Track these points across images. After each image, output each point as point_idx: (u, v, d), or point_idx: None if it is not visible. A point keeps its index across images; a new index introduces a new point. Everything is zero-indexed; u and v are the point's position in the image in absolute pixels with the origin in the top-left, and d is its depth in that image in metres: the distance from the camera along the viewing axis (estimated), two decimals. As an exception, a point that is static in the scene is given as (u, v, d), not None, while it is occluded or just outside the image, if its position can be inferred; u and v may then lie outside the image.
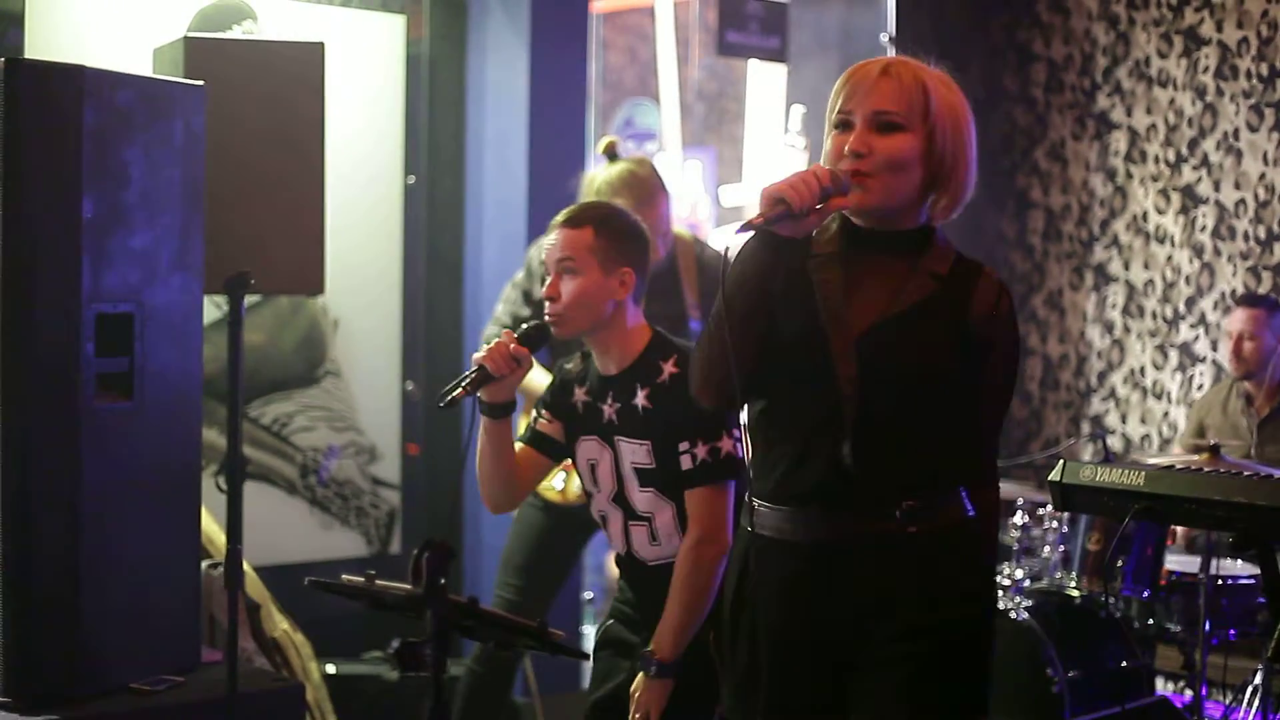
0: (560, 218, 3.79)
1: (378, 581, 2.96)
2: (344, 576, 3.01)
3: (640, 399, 3.68)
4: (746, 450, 3.33)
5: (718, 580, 3.55)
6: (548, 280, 3.72)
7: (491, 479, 3.81)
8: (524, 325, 3.78)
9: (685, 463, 3.65)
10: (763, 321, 3.02)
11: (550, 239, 3.76)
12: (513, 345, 3.65)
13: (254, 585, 4.88)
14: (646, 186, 5.03)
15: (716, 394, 3.10)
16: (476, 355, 3.67)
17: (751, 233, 2.94)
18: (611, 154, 5.18)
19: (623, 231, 3.77)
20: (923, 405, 3.01)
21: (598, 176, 5.10)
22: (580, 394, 3.81)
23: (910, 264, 3.04)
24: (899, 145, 2.95)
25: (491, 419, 3.73)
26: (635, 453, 3.69)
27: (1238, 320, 6.52)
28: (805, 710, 3.11)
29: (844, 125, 3.00)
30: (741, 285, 2.99)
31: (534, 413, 3.90)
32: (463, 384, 3.62)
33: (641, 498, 3.70)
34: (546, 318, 3.72)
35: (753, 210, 2.95)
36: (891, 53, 7.66)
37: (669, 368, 3.69)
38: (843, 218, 3.07)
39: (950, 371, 3.01)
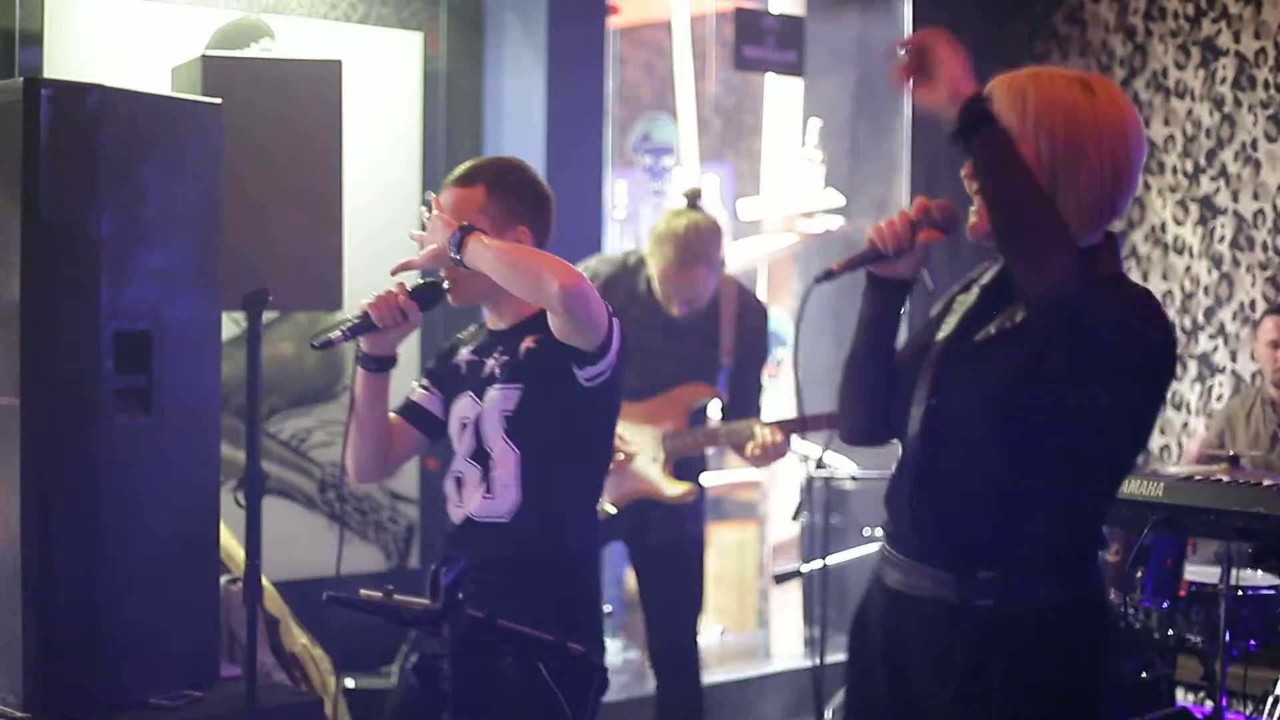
0: (451, 176, 3.66)
1: (396, 596, 2.97)
2: (362, 591, 3.01)
3: (526, 344, 3.54)
4: None
5: (541, 264, 3.38)
6: None
7: (361, 441, 3.63)
8: (420, 281, 3.58)
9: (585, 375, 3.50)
10: (885, 363, 2.98)
11: (442, 199, 3.61)
12: (403, 298, 3.50)
13: (273, 600, 4.89)
14: (687, 251, 5.08)
15: (858, 434, 3.11)
16: (364, 301, 3.52)
17: (841, 272, 2.89)
18: (693, 201, 5.24)
19: (518, 188, 3.64)
20: (997, 445, 2.77)
21: (664, 220, 5.19)
22: (466, 353, 3.68)
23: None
24: None
25: (367, 372, 3.57)
26: (506, 399, 3.52)
27: (1274, 329, 6.51)
28: None
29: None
30: (865, 327, 2.99)
31: (413, 383, 3.76)
32: (342, 327, 3.49)
33: (495, 446, 3.53)
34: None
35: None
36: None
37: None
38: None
39: (1021, 408, 2.74)
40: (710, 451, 5.47)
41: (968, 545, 2.80)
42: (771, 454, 5.13)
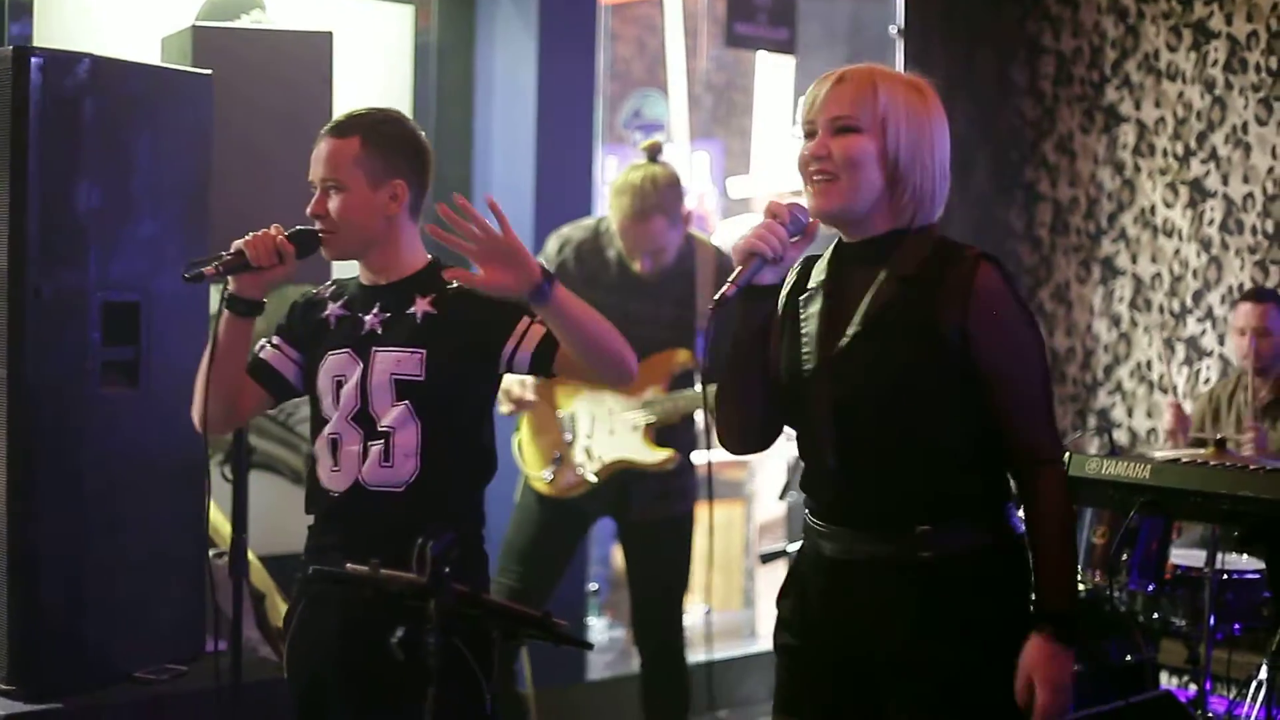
0: (327, 126, 3.55)
1: (382, 570, 2.96)
2: (349, 565, 3.01)
3: (421, 306, 3.47)
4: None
5: (619, 344, 3.39)
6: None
7: (215, 386, 3.45)
8: (298, 226, 3.48)
9: (536, 334, 3.44)
10: (766, 371, 3.12)
11: (317, 150, 3.50)
12: (280, 239, 3.40)
13: (258, 575, 4.89)
14: (644, 202, 5.06)
15: (742, 444, 3.26)
16: (238, 241, 3.39)
17: (738, 291, 2.99)
18: (653, 155, 5.25)
19: (394, 140, 3.52)
20: (904, 420, 3.01)
21: (622, 174, 5.18)
22: (335, 308, 3.54)
23: (882, 274, 3.05)
24: (853, 144, 2.99)
25: (233, 314, 3.41)
26: (401, 363, 3.43)
27: (1248, 316, 6.50)
28: (820, 708, 3.18)
29: (809, 135, 3.06)
30: (744, 342, 3.10)
31: (263, 340, 3.58)
32: (215, 262, 3.36)
33: (390, 412, 3.42)
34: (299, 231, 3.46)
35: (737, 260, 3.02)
36: (900, 45, 7.66)
37: (459, 278, 3.44)
38: (835, 244, 3.15)
39: (926, 378, 3.00)
40: (698, 422, 5.43)
41: (901, 507, 3.04)
42: None
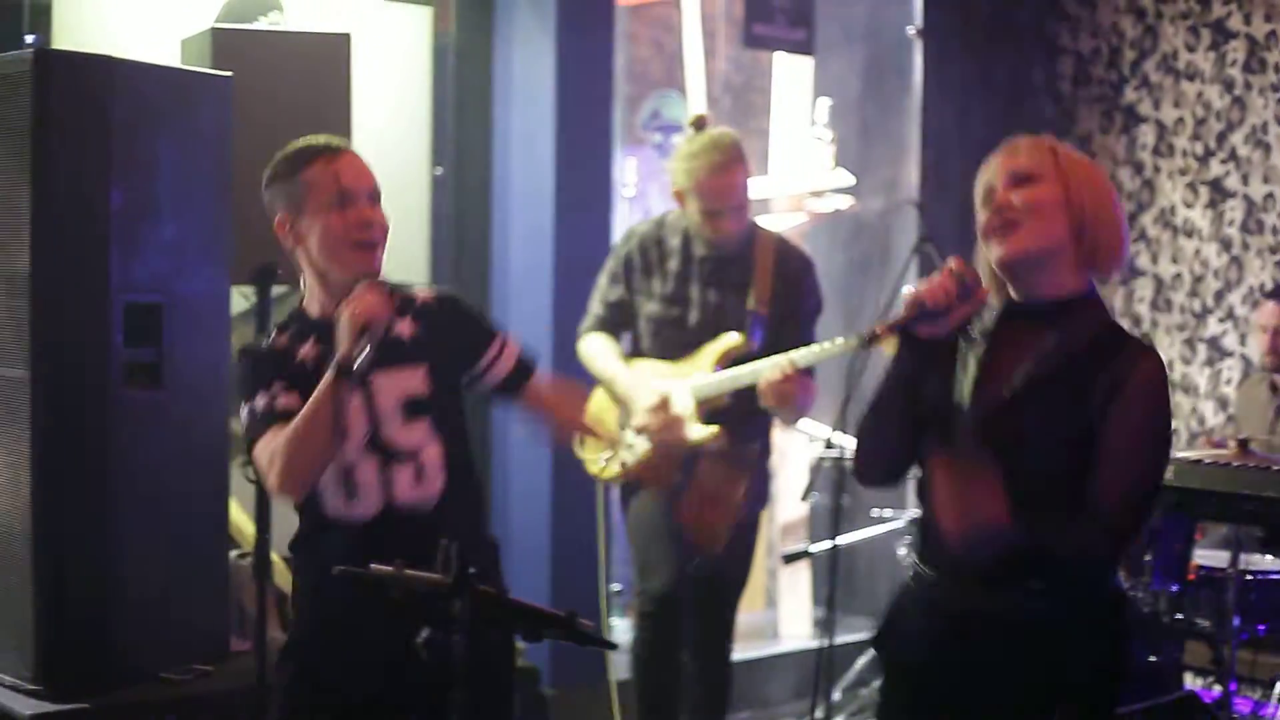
0: (333, 145, 3.53)
1: (407, 571, 2.95)
2: (373, 566, 3.00)
3: (404, 328, 3.47)
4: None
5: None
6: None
7: (328, 455, 3.35)
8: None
9: (508, 363, 3.57)
10: (910, 415, 3.14)
11: (347, 163, 3.49)
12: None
13: (282, 575, 4.89)
14: (726, 154, 5.06)
15: (874, 478, 3.30)
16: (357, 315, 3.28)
17: (888, 334, 3.05)
18: (699, 125, 5.32)
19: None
20: (1040, 481, 2.99)
21: (687, 143, 5.20)
22: (306, 348, 3.46)
23: (1053, 337, 3.05)
24: (1034, 192, 3.02)
25: (349, 382, 3.30)
26: (406, 383, 3.45)
27: (1271, 315, 6.49)
28: None
29: (988, 197, 3.08)
30: (894, 384, 3.14)
31: (256, 400, 3.42)
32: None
33: (405, 432, 3.44)
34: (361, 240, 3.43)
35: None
36: (918, 46, 7.65)
37: (420, 294, 3.50)
38: (1005, 300, 3.15)
39: (1069, 451, 2.99)
40: (769, 416, 5.34)
41: (1020, 562, 2.99)
42: (782, 393, 4.99)
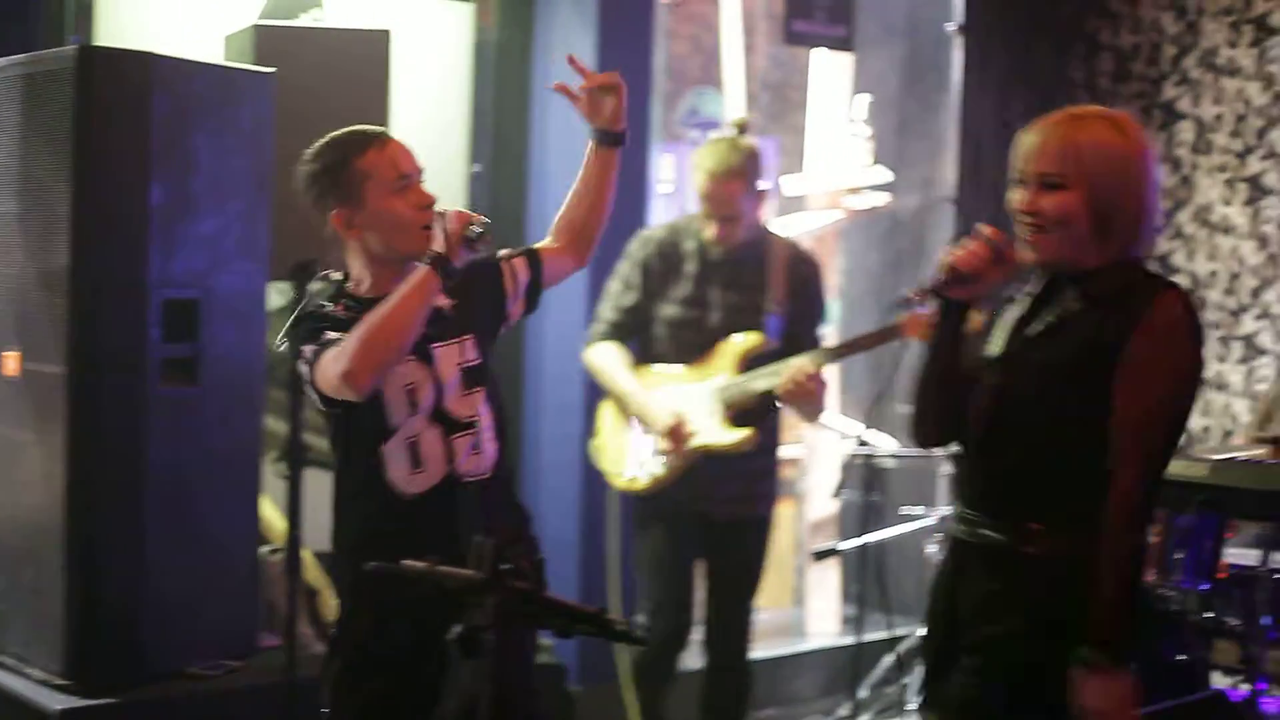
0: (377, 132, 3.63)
1: (439, 567, 2.98)
2: (405, 562, 3.03)
3: (440, 302, 3.51)
4: None
5: None
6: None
7: (406, 348, 3.44)
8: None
9: (521, 268, 3.73)
10: (957, 375, 3.31)
11: (398, 148, 3.60)
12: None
13: (312, 571, 4.92)
14: (725, 164, 5.14)
15: (927, 437, 3.44)
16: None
17: (921, 298, 3.25)
18: (741, 129, 5.47)
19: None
20: (1050, 421, 3.18)
21: (705, 143, 5.32)
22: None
23: (1075, 290, 3.22)
24: (1060, 202, 3.16)
25: (443, 277, 3.43)
26: (463, 352, 3.55)
27: None
28: (937, 702, 3.37)
29: (1020, 181, 3.23)
30: (936, 346, 3.31)
31: (325, 335, 3.48)
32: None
33: (464, 403, 3.55)
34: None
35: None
36: (958, 42, 7.64)
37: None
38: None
39: (1080, 389, 3.14)
40: (779, 411, 5.39)
41: (1022, 501, 3.19)
42: (806, 391, 5.06)
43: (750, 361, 5.16)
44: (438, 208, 3.53)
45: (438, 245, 3.41)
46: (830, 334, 7.54)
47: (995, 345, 3.31)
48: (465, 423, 3.55)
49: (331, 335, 3.46)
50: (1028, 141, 3.22)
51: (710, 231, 5.17)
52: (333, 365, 3.41)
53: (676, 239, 5.29)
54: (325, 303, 3.60)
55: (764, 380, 5.08)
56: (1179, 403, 3.18)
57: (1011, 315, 3.32)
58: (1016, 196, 3.23)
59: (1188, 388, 3.19)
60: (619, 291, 5.29)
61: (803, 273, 5.30)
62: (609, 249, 6.13)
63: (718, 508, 5.23)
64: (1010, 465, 3.22)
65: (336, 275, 3.65)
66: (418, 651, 3.51)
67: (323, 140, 3.60)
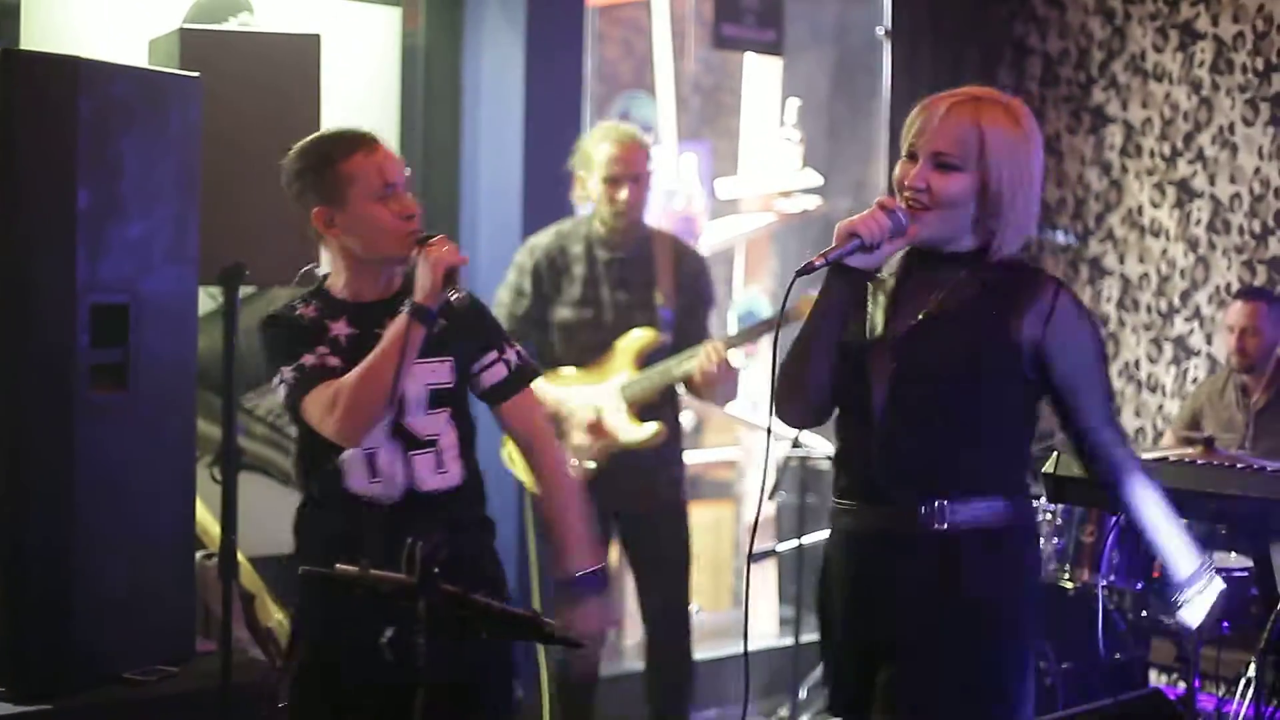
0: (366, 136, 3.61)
1: (372, 571, 2.96)
2: (338, 566, 3.01)
3: None
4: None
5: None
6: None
7: (390, 398, 3.43)
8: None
9: (500, 370, 3.66)
10: (833, 349, 3.26)
11: (385, 155, 3.57)
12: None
13: (248, 576, 4.89)
14: (640, 137, 5.43)
15: (798, 414, 3.38)
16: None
17: (825, 264, 3.14)
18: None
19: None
20: (956, 399, 3.19)
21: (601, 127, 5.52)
22: (339, 326, 3.57)
23: (964, 270, 3.23)
24: (953, 183, 3.17)
25: (422, 325, 3.42)
26: (435, 373, 3.56)
27: (1238, 314, 6.51)
28: (850, 697, 3.35)
29: (912, 156, 3.22)
30: (825, 315, 3.24)
31: (303, 359, 3.50)
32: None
33: (427, 421, 3.55)
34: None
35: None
36: (887, 47, 7.67)
37: (452, 293, 3.51)
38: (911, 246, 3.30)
39: (987, 369, 3.19)
40: (679, 399, 5.51)
41: (928, 480, 3.20)
42: (719, 376, 5.20)
43: (648, 357, 5.28)
44: (433, 238, 3.51)
45: (419, 295, 3.41)
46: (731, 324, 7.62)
47: (878, 327, 3.28)
48: (425, 440, 3.55)
49: (309, 360, 3.50)
50: (925, 118, 3.22)
51: (621, 194, 5.30)
52: (324, 416, 3.47)
53: (564, 243, 5.41)
54: (297, 304, 3.62)
55: (680, 369, 5.19)
56: (1108, 374, 3.38)
57: (883, 296, 3.30)
58: (908, 169, 3.21)
59: (1105, 360, 3.36)
60: (511, 300, 5.40)
61: (690, 268, 5.49)
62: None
63: (634, 501, 5.33)
64: (914, 449, 3.21)
65: (325, 271, 3.70)
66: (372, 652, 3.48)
67: (310, 137, 3.64)
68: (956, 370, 3.19)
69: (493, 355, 3.66)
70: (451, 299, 3.39)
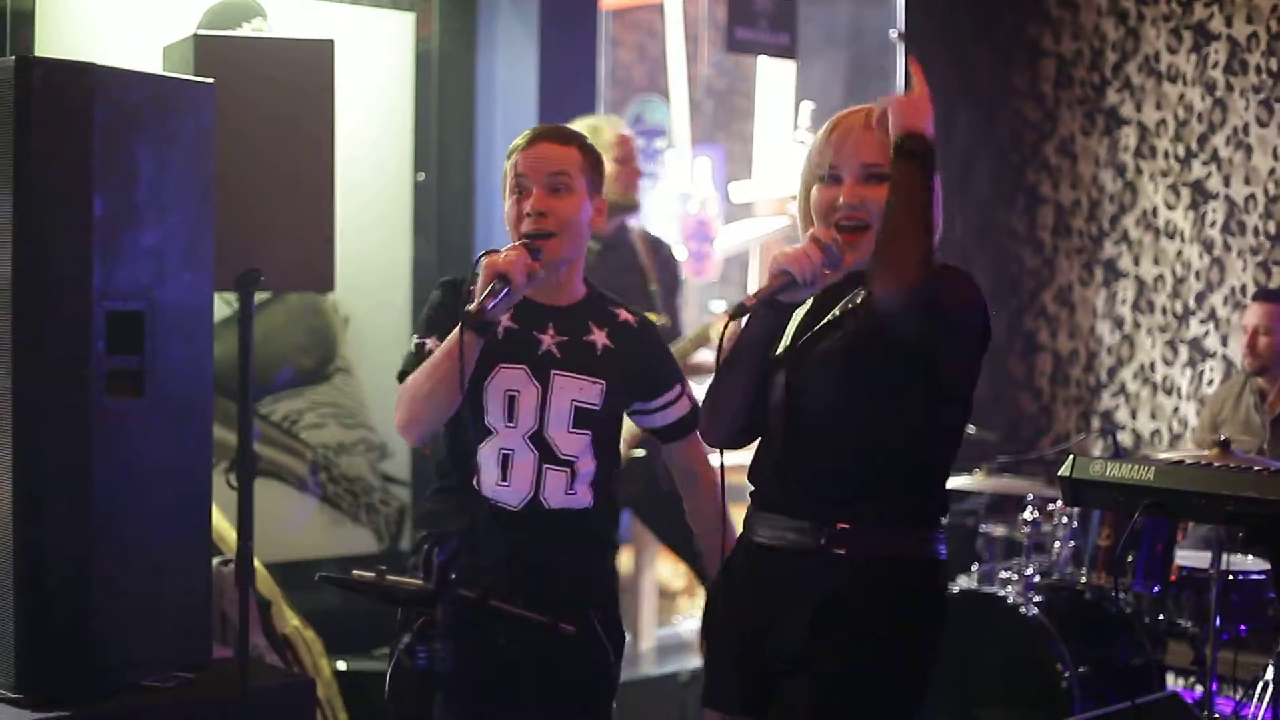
0: (537, 132, 3.61)
1: (389, 577, 2.96)
2: (355, 572, 3.01)
3: (599, 337, 3.55)
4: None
5: None
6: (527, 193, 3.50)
7: (446, 405, 3.41)
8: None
9: (683, 407, 3.65)
10: (759, 375, 3.17)
11: (532, 151, 3.54)
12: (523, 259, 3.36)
13: (264, 582, 4.89)
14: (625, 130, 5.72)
15: (723, 437, 3.23)
16: (498, 264, 3.31)
17: (745, 313, 3.07)
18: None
19: (599, 161, 3.62)
20: (852, 414, 3.08)
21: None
22: (504, 319, 3.51)
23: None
24: (883, 194, 3.02)
25: (476, 334, 3.33)
26: (583, 391, 3.50)
27: (1253, 315, 6.49)
28: (731, 706, 3.22)
29: (833, 179, 3.12)
30: (750, 345, 3.14)
31: (426, 339, 3.53)
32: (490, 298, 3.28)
33: (570, 440, 3.50)
34: (533, 230, 3.46)
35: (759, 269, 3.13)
36: (900, 49, 7.66)
37: (623, 313, 3.60)
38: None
39: (882, 377, 3.05)
40: None
41: (829, 501, 3.08)
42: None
43: None
44: (536, 239, 3.46)
45: (472, 305, 3.32)
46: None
47: (784, 342, 3.18)
48: (562, 458, 3.50)
49: (429, 344, 3.50)
50: (840, 136, 3.14)
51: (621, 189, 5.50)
52: (396, 407, 3.50)
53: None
54: (439, 292, 3.66)
55: (689, 347, 5.58)
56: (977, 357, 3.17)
57: (799, 313, 3.20)
58: (834, 193, 3.10)
59: (980, 345, 3.16)
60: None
61: (664, 254, 5.81)
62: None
63: (660, 481, 5.39)
64: (816, 466, 3.10)
65: None
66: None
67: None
68: (847, 382, 3.08)
69: (676, 392, 3.64)
70: (488, 307, 3.27)
